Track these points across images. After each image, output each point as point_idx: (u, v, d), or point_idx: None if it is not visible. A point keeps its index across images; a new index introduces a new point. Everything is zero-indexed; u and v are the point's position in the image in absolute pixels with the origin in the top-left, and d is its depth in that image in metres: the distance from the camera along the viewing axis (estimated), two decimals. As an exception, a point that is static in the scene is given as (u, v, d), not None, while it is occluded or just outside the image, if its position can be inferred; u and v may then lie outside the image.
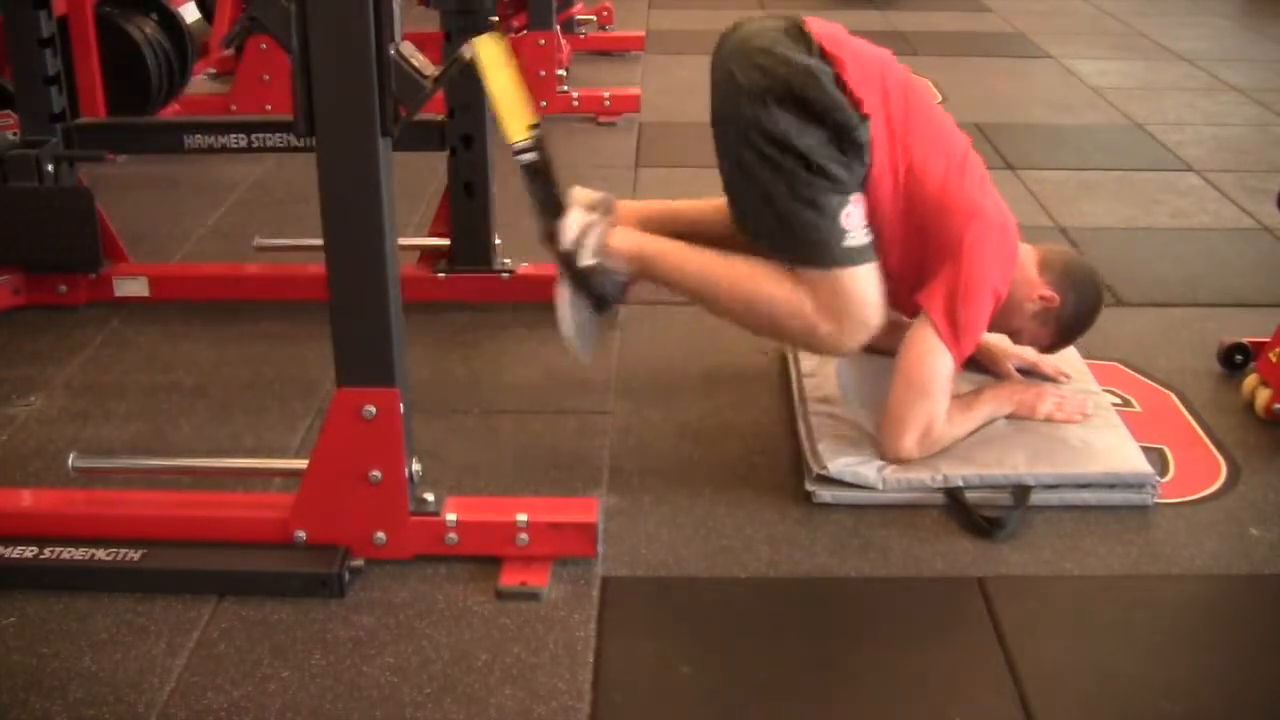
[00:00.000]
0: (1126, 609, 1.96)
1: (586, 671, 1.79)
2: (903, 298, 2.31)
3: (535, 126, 2.13)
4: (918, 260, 2.25)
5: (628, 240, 2.27)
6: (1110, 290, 3.13)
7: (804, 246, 2.18)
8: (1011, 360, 2.52)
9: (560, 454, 2.36)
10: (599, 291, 2.22)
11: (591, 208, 2.30)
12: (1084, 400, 2.42)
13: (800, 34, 2.22)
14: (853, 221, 2.17)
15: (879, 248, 2.23)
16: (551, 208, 2.19)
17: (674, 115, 4.69)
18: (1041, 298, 2.30)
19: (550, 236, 2.21)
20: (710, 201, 2.51)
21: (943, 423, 2.22)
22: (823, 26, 2.27)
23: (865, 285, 2.19)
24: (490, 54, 2.00)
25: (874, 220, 2.21)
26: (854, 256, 2.18)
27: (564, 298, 2.22)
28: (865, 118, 2.16)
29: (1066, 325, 2.36)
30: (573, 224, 2.22)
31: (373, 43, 1.72)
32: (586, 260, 2.20)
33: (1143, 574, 2.04)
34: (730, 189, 2.28)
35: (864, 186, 2.19)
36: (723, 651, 1.85)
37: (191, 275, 3.09)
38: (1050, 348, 2.43)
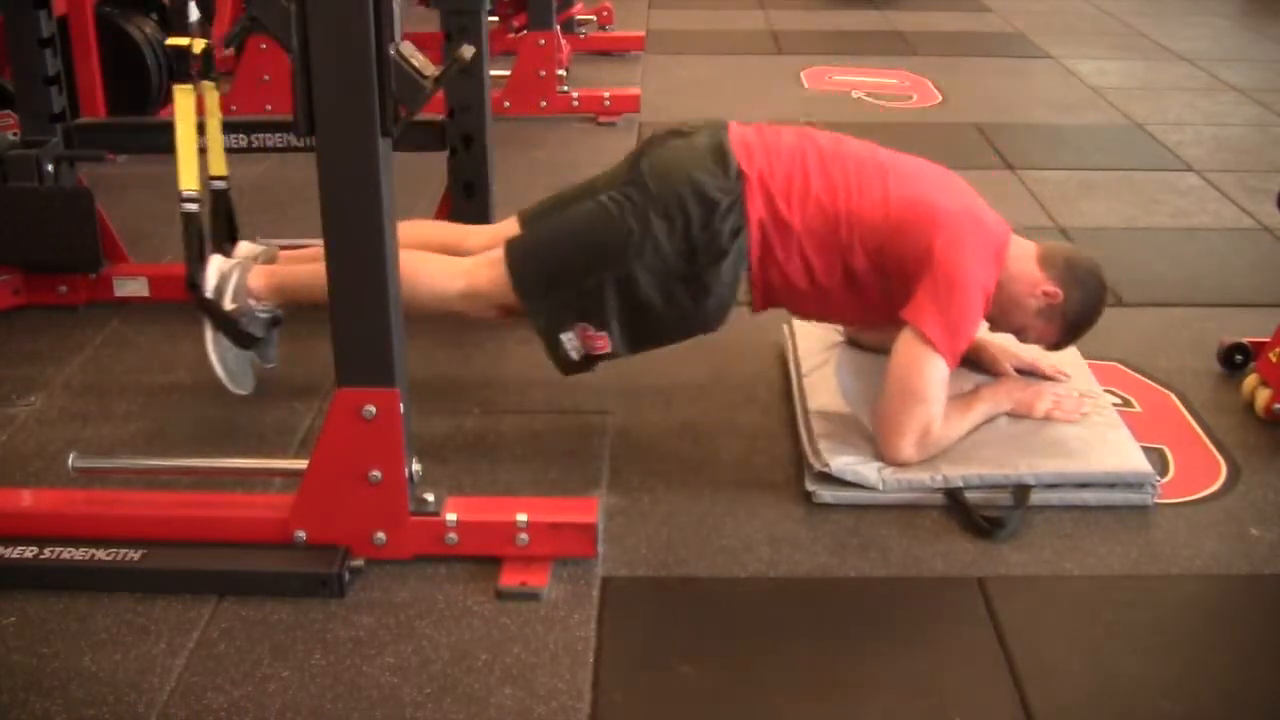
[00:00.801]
0: (1126, 609, 1.96)
1: (586, 671, 1.79)
2: (880, 320, 2.33)
3: (221, 179, 2.45)
4: (889, 286, 2.25)
5: (263, 278, 2.39)
6: (1110, 290, 3.12)
7: (538, 301, 2.25)
8: (1010, 360, 2.51)
9: (560, 454, 2.36)
10: (240, 332, 2.38)
11: (256, 257, 2.45)
12: (1082, 399, 2.42)
13: (722, 155, 2.25)
14: (574, 338, 2.26)
15: (844, 311, 2.38)
16: (198, 259, 2.39)
17: (674, 115, 4.68)
18: (1045, 294, 2.30)
19: (193, 286, 2.36)
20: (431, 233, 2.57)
21: (941, 424, 2.22)
22: (739, 136, 2.30)
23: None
24: (182, 105, 2.38)
25: (841, 295, 2.28)
26: (552, 329, 2.26)
27: (209, 341, 2.37)
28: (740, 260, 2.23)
29: (1072, 321, 2.35)
30: (212, 273, 2.38)
31: (373, 43, 1.72)
32: (228, 305, 2.36)
33: (1143, 574, 2.04)
34: (545, 215, 2.36)
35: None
36: (723, 651, 1.85)
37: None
38: (1057, 344, 2.42)
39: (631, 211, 2.20)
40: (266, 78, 4.32)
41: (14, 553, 1.95)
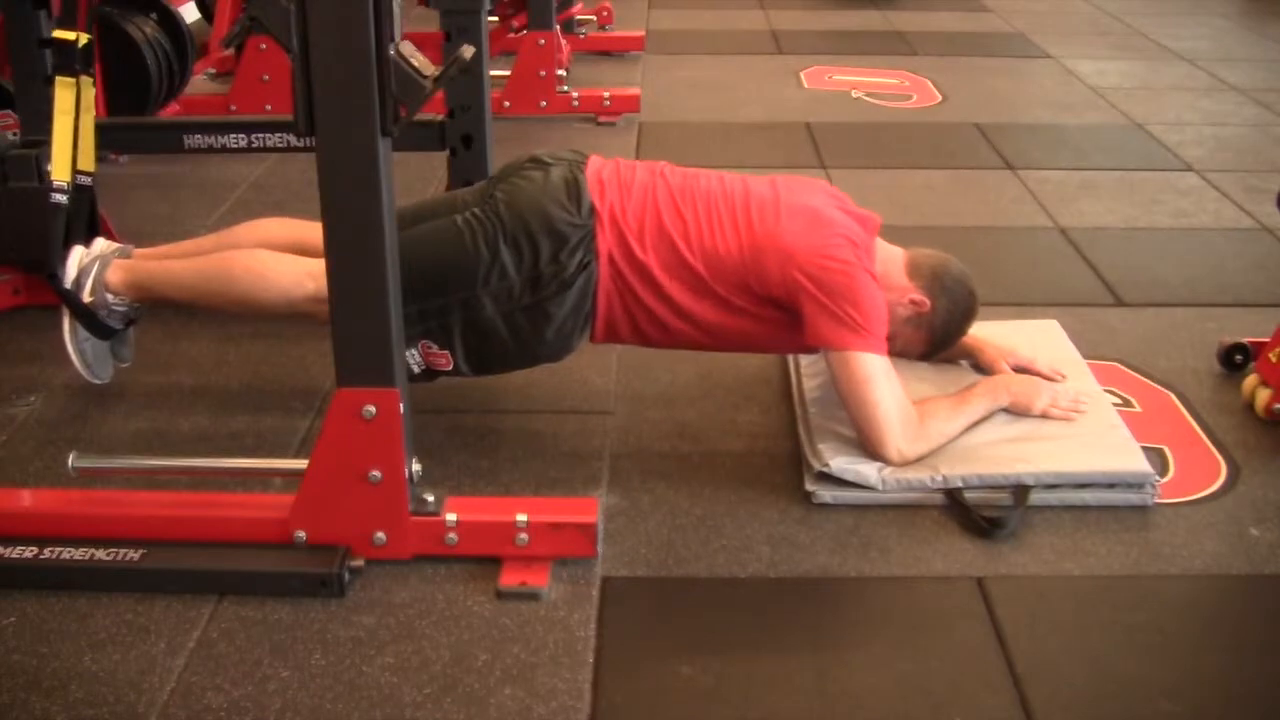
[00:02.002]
0: (1126, 609, 1.96)
1: (586, 671, 1.79)
2: (783, 342, 2.32)
3: (87, 175, 2.50)
4: (763, 308, 2.24)
5: (121, 274, 2.43)
6: (1110, 290, 3.14)
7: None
8: (1008, 360, 2.51)
9: (560, 454, 2.36)
10: (98, 324, 2.43)
11: (111, 254, 2.48)
12: (1078, 396, 2.42)
13: (577, 190, 2.26)
14: (416, 355, 2.25)
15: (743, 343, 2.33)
16: (60, 248, 2.45)
17: (674, 115, 4.70)
18: (913, 302, 2.30)
19: (52, 276, 2.42)
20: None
21: (933, 419, 2.22)
22: (595, 171, 2.32)
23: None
24: (62, 98, 2.46)
25: (724, 331, 2.27)
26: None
27: (66, 331, 2.42)
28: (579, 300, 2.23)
29: (940, 330, 2.36)
30: (72, 264, 2.42)
31: (373, 43, 1.72)
32: (86, 297, 2.41)
33: (1143, 574, 2.04)
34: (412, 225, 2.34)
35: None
36: (723, 651, 1.85)
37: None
38: (925, 354, 2.43)
39: (483, 237, 2.21)
40: (266, 78, 4.31)
41: (14, 553, 1.95)
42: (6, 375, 2.63)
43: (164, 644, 1.83)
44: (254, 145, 3.27)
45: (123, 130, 3.47)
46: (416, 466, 1.97)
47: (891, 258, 2.33)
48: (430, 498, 1.99)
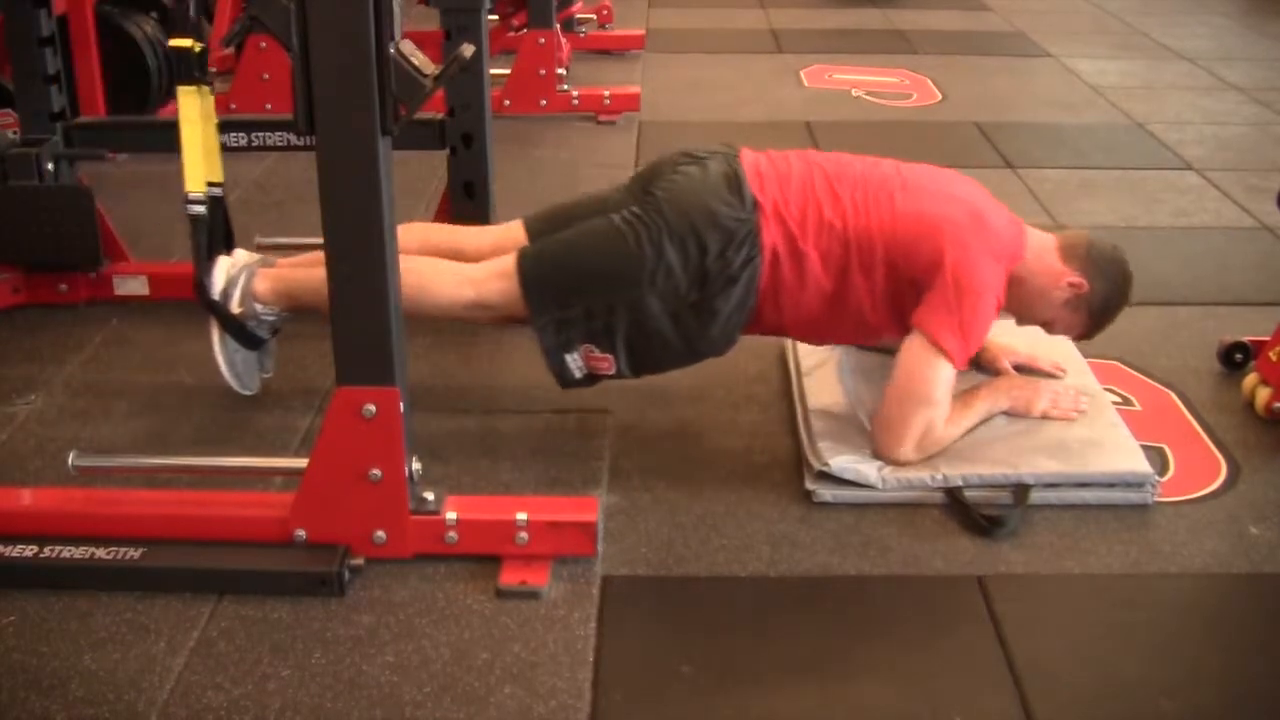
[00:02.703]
0: (1126, 608, 1.96)
1: (586, 671, 1.79)
2: (892, 327, 2.32)
3: (216, 185, 2.40)
4: (900, 302, 2.25)
5: (268, 283, 2.40)
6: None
7: (546, 315, 2.24)
8: (1009, 358, 2.52)
9: (560, 454, 2.36)
10: (247, 335, 2.39)
11: (255, 264, 2.45)
12: (1079, 396, 2.42)
13: (738, 183, 2.24)
14: (576, 359, 2.27)
15: (855, 330, 2.34)
16: (206, 260, 2.38)
17: (674, 114, 4.70)
18: (1070, 285, 2.30)
19: (200, 287, 2.36)
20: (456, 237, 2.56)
21: (943, 425, 2.23)
22: (752, 164, 2.30)
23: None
24: (186, 107, 2.35)
25: (846, 312, 2.27)
26: (558, 346, 2.26)
27: (216, 343, 2.38)
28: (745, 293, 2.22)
29: (1099, 309, 2.35)
30: (219, 275, 2.38)
31: (373, 42, 1.72)
32: (235, 308, 2.37)
33: (1143, 573, 2.04)
34: (559, 228, 2.34)
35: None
36: (723, 651, 1.85)
37: (192, 274, 3.08)
38: (1085, 334, 2.42)
39: (646, 237, 2.19)
40: (266, 77, 4.31)
41: (14, 552, 1.95)
42: (6, 375, 2.63)
43: (164, 643, 1.83)
44: (254, 144, 3.26)
45: (123, 130, 3.47)
46: (416, 465, 1.97)
47: (1044, 245, 2.33)
48: (430, 496, 1.99)
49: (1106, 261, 2.33)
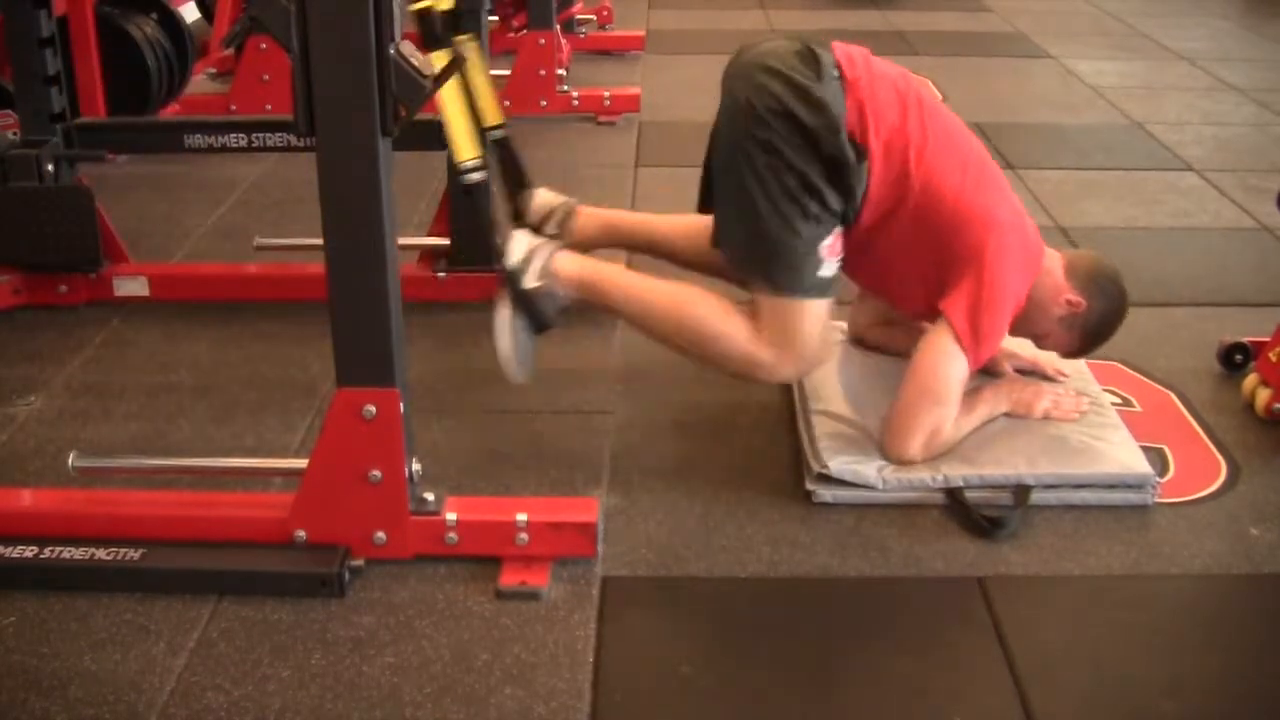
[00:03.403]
0: (1126, 609, 1.96)
1: (586, 671, 1.79)
2: (911, 305, 2.32)
3: (498, 128, 2.23)
4: (928, 271, 2.24)
5: (573, 265, 2.26)
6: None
7: (778, 269, 2.17)
8: (1011, 360, 2.52)
9: (560, 454, 2.36)
10: (540, 313, 2.22)
11: (551, 212, 2.33)
12: (1080, 399, 2.43)
13: (813, 57, 2.18)
14: (830, 251, 2.18)
15: (871, 268, 2.28)
16: (497, 226, 2.21)
17: (674, 115, 4.70)
18: (1069, 302, 2.30)
19: (498, 256, 2.21)
20: (679, 221, 2.54)
21: (950, 427, 2.23)
22: (843, 49, 2.25)
23: (817, 320, 2.20)
24: (473, 60, 2.11)
25: (870, 243, 2.22)
26: (822, 288, 2.18)
27: (503, 317, 2.22)
28: (863, 157, 2.15)
29: (1092, 331, 2.36)
30: (519, 245, 2.24)
31: (373, 43, 1.72)
32: (531, 282, 2.21)
33: (1143, 574, 2.04)
34: (718, 203, 2.29)
35: (854, 218, 2.19)
36: (723, 651, 1.85)
37: (191, 275, 3.09)
38: (1076, 353, 2.43)
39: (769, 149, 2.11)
40: (266, 78, 4.31)
41: (14, 553, 1.95)
42: (6, 376, 2.63)
43: (164, 644, 1.83)
44: (254, 145, 3.26)
45: (123, 130, 3.47)
46: (416, 466, 1.97)
47: (1052, 262, 2.33)
48: (430, 497, 1.99)
49: (1107, 282, 2.34)
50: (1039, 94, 5.17)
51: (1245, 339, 2.67)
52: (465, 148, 2.21)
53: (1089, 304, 2.31)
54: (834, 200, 2.15)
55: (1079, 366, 2.58)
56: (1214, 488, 2.29)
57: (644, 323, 2.29)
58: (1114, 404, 2.49)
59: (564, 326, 2.31)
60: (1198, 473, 2.33)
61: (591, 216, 2.43)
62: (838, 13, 6.64)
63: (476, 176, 2.23)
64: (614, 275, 2.30)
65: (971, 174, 2.25)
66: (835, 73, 2.17)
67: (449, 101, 2.18)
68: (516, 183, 2.43)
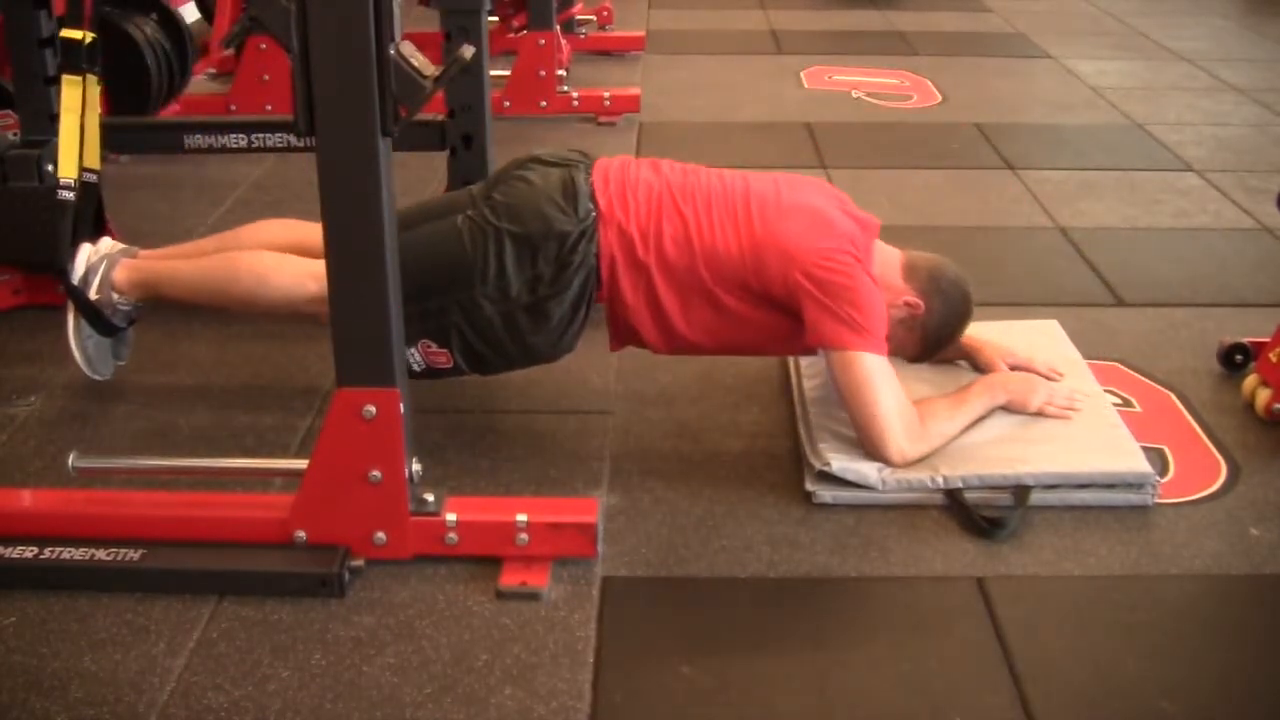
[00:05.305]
0: (1126, 609, 1.96)
1: (586, 671, 1.79)
2: (801, 348, 2.33)
3: (93, 172, 2.54)
4: (777, 319, 2.24)
5: (128, 273, 2.47)
6: (1110, 290, 3.14)
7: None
8: (1005, 359, 2.51)
9: (560, 454, 2.36)
10: (106, 321, 2.47)
11: (118, 253, 2.51)
12: (1074, 393, 2.42)
13: (574, 191, 2.26)
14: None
15: (731, 342, 2.32)
16: (69, 245, 2.49)
17: (674, 115, 4.70)
18: (906, 304, 2.30)
19: (61, 272, 2.46)
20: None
21: (921, 412, 2.21)
22: (601, 171, 2.33)
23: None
24: (69, 97, 2.51)
25: (712, 320, 2.26)
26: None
27: (71, 327, 2.46)
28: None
29: (934, 333, 2.35)
30: (80, 262, 2.46)
31: (373, 43, 1.72)
32: (93, 294, 2.45)
33: (1143, 574, 2.04)
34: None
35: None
36: (723, 651, 1.85)
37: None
38: (917, 357, 2.43)
39: (480, 238, 2.22)
40: (266, 78, 4.31)
41: (14, 553, 1.95)
42: (6, 375, 2.63)
43: (164, 644, 1.83)
44: (254, 145, 3.26)
45: (123, 130, 3.47)
46: (416, 466, 1.97)
47: (888, 259, 2.33)
48: (430, 497, 1.99)
49: (948, 283, 2.33)
50: (1039, 94, 5.18)
51: (1245, 339, 2.67)
52: (67, 166, 2.54)
53: (928, 305, 2.30)
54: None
55: (1080, 366, 2.58)
56: (1214, 488, 2.29)
57: (213, 301, 2.48)
58: (1114, 404, 2.49)
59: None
60: (1198, 473, 2.33)
61: (126, 267, 2.51)
62: (838, 14, 6.64)
63: (67, 195, 2.52)
64: (166, 271, 2.48)
65: (745, 213, 2.24)
66: (589, 206, 2.24)
67: (67, 125, 2.53)
68: (93, 226, 2.64)
